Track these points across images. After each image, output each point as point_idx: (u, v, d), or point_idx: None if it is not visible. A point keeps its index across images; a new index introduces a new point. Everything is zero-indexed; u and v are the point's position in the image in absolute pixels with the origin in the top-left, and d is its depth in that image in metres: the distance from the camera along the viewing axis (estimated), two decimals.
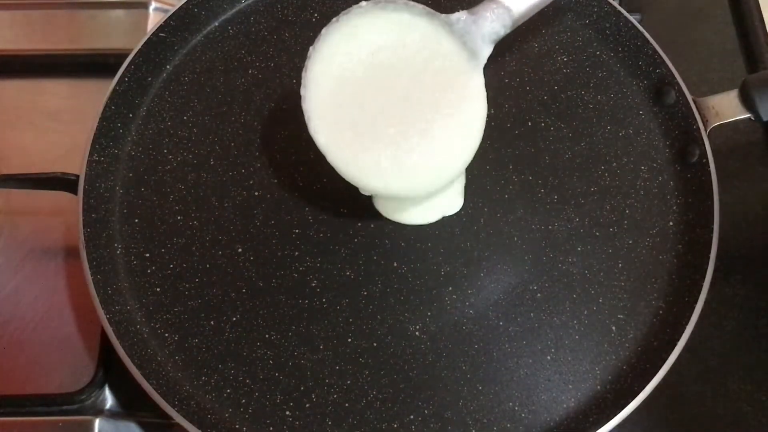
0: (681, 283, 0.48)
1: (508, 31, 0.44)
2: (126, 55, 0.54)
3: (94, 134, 0.51)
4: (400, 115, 0.44)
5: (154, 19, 0.63)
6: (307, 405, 0.45)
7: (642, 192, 0.51)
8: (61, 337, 0.52)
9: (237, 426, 0.45)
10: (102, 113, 0.51)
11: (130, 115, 0.54)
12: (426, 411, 0.45)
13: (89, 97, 0.59)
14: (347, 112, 0.44)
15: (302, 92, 0.43)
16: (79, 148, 0.51)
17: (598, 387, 0.46)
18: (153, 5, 0.64)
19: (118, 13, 0.64)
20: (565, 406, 0.45)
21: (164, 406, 0.43)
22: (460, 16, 0.43)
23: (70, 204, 0.50)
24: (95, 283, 0.46)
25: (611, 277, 0.49)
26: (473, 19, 0.43)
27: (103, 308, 0.46)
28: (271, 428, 0.45)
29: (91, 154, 0.50)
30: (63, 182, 0.51)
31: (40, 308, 0.53)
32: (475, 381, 0.46)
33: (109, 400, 0.50)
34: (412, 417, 0.45)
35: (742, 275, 0.54)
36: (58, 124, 0.60)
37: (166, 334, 0.47)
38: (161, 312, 0.48)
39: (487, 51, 0.43)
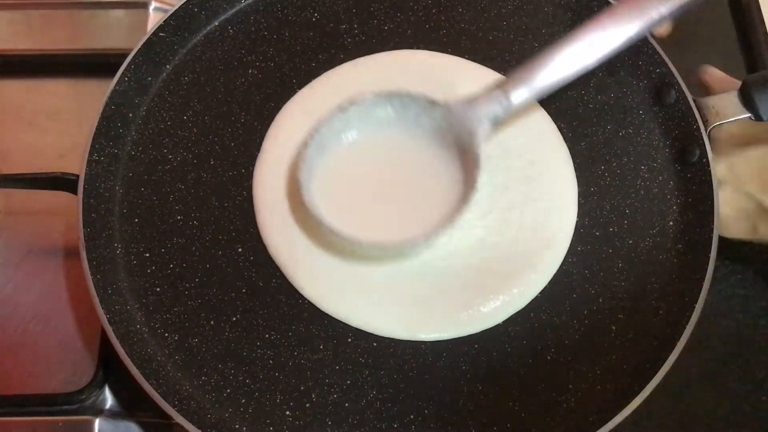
0: (681, 283, 0.48)
1: (509, 114, 0.47)
2: (126, 55, 0.53)
3: (94, 134, 0.51)
4: (393, 204, 0.48)
5: (154, 19, 0.63)
6: (307, 405, 0.45)
7: (642, 192, 0.51)
8: (61, 336, 0.52)
9: (237, 426, 0.44)
10: (102, 113, 0.51)
11: (130, 115, 0.54)
12: (426, 411, 0.45)
13: (89, 97, 0.59)
14: (344, 195, 0.48)
15: (299, 176, 0.47)
16: (79, 148, 0.51)
17: (598, 387, 0.46)
18: (153, 5, 0.64)
19: (118, 13, 0.64)
20: (565, 406, 0.45)
21: (164, 406, 0.43)
22: (459, 102, 0.47)
23: (70, 204, 0.50)
24: (95, 283, 0.46)
25: (611, 277, 0.49)
26: (470, 103, 0.47)
27: (103, 308, 0.45)
28: (271, 428, 0.45)
29: (91, 154, 0.50)
30: (63, 182, 0.51)
31: (40, 308, 0.53)
32: (475, 381, 0.46)
33: (109, 400, 0.50)
34: (412, 417, 0.45)
35: (742, 275, 0.54)
36: (58, 124, 0.60)
37: (166, 334, 0.47)
38: (161, 312, 0.48)
39: (483, 130, 0.47)
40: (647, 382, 0.43)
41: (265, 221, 0.50)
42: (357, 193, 0.48)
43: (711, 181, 0.49)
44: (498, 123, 0.47)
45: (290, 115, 0.54)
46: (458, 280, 0.48)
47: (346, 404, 0.45)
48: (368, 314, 0.47)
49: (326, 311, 0.47)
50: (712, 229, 0.48)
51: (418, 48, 0.56)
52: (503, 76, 0.49)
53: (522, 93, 0.47)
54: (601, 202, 0.51)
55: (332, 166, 0.48)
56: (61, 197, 0.51)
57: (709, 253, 0.47)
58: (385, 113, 0.49)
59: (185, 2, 0.55)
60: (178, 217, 0.51)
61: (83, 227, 0.48)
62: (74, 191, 0.50)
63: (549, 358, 0.46)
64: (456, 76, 0.54)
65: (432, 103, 0.48)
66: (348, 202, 0.48)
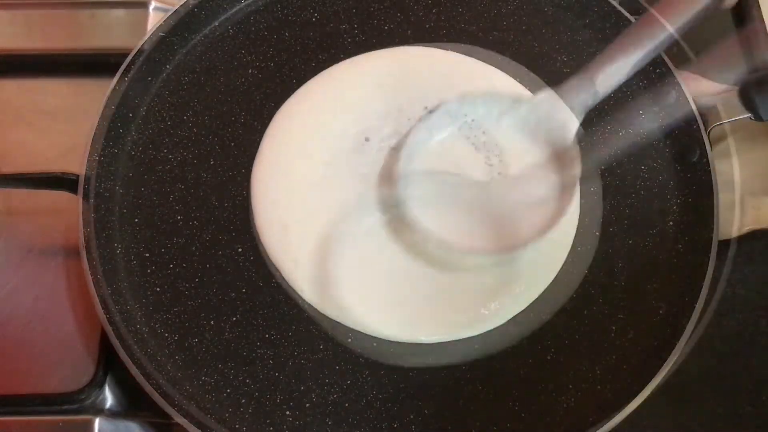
0: (681, 283, 0.48)
1: (597, 100, 0.48)
2: (126, 55, 0.54)
3: (94, 134, 0.51)
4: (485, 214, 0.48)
5: (154, 19, 0.63)
6: (307, 405, 0.45)
7: (642, 192, 0.51)
8: (61, 336, 0.52)
9: (237, 426, 0.44)
10: (102, 113, 0.51)
11: (130, 115, 0.54)
12: (426, 411, 0.45)
13: (89, 97, 0.59)
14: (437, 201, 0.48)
15: (401, 193, 0.47)
16: (78, 147, 0.51)
17: (598, 387, 0.46)
18: (153, 5, 0.63)
19: (118, 13, 0.64)
20: (565, 406, 0.45)
21: (164, 406, 0.43)
22: (545, 96, 0.48)
23: (70, 203, 0.50)
24: (95, 283, 0.46)
25: (611, 277, 0.49)
26: (558, 95, 0.47)
27: (102, 308, 0.46)
28: (271, 428, 0.45)
29: (91, 154, 0.50)
30: (63, 182, 0.51)
31: (40, 308, 0.53)
32: (475, 381, 0.46)
33: (108, 399, 0.50)
34: (412, 417, 0.45)
35: (742, 275, 0.54)
36: (58, 124, 0.60)
37: (166, 334, 0.47)
38: (161, 312, 0.48)
39: (575, 121, 0.47)
40: (647, 383, 0.43)
41: (264, 223, 0.50)
42: (450, 198, 0.48)
43: (711, 180, 0.49)
44: (587, 110, 0.48)
45: (289, 114, 0.53)
46: (458, 282, 0.48)
47: (346, 404, 0.45)
48: (368, 317, 0.47)
49: (325, 314, 0.47)
50: (712, 229, 0.48)
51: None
52: (511, 77, 0.49)
53: (607, 78, 0.47)
54: (601, 202, 0.51)
55: (428, 184, 0.48)
56: (61, 197, 0.51)
57: (709, 253, 0.47)
58: (468, 115, 0.49)
59: (185, 2, 0.56)
60: (178, 217, 0.51)
61: (83, 227, 0.48)
62: (74, 191, 0.50)
63: (549, 357, 0.46)
64: (455, 70, 0.54)
65: (517, 101, 0.48)
66: (441, 207, 0.48)
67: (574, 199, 0.45)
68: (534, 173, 0.48)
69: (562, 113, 0.47)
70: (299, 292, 0.48)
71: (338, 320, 0.47)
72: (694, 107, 0.51)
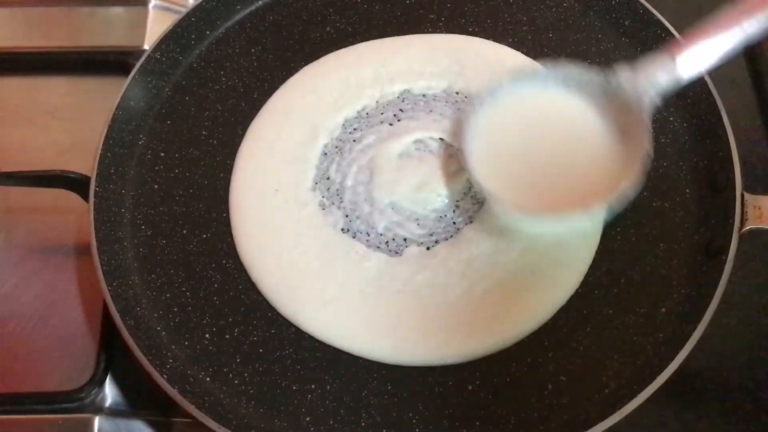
0: (682, 284, 0.48)
1: (679, 85, 0.46)
2: (126, 53, 0.54)
3: (105, 135, 0.51)
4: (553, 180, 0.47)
5: (153, 17, 0.63)
6: (307, 405, 0.45)
7: (644, 192, 0.51)
8: (61, 334, 0.52)
9: (237, 425, 0.44)
10: (113, 115, 0.52)
11: (141, 117, 0.54)
12: (426, 411, 0.45)
13: (89, 95, 0.60)
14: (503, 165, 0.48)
15: (463, 146, 0.47)
16: (78, 145, 0.51)
17: (599, 387, 0.45)
18: (153, 2, 0.64)
19: (118, 11, 0.64)
20: (565, 405, 0.45)
21: (180, 401, 0.43)
22: (624, 70, 0.46)
23: (70, 202, 0.50)
24: (107, 282, 0.47)
25: (612, 277, 0.48)
26: (634, 72, 0.46)
27: (112, 306, 0.46)
28: (271, 428, 0.45)
29: (103, 153, 0.51)
30: (63, 180, 0.51)
31: (40, 306, 0.53)
32: (474, 381, 0.46)
33: (109, 398, 0.50)
34: (412, 416, 0.45)
35: (743, 273, 0.54)
36: (58, 122, 0.60)
37: (165, 333, 0.47)
38: (162, 311, 0.48)
39: (648, 101, 0.46)
40: (648, 383, 0.43)
41: (243, 241, 0.50)
42: (515, 162, 0.48)
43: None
44: (666, 94, 0.46)
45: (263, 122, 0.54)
46: (459, 302, 0.47)
47: (347, 404, 0.45)
48: (358, 339, 0.47)
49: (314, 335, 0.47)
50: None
51: None
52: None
53: (692, 60, 0.45)
54: None
55: (490, 137, 0.48)
56: (61, 195, 0.51)
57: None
58: (544, 83, 0.48)
59: (189, 5, 0.56)
60: (183, 217, 0.51)
61: (94, 228, 0.48)
62: (74, 189, 0.50)
63: (550, 355, 0.46)
64: (454, 53, 0.55)
65: (591, 74, 0.47)
66: (507, 170, 0.47)
67: (637, 179, 0.45)
68: (600, 143, 0.47)
69: (636, 93, 0.45)
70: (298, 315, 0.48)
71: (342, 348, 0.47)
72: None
